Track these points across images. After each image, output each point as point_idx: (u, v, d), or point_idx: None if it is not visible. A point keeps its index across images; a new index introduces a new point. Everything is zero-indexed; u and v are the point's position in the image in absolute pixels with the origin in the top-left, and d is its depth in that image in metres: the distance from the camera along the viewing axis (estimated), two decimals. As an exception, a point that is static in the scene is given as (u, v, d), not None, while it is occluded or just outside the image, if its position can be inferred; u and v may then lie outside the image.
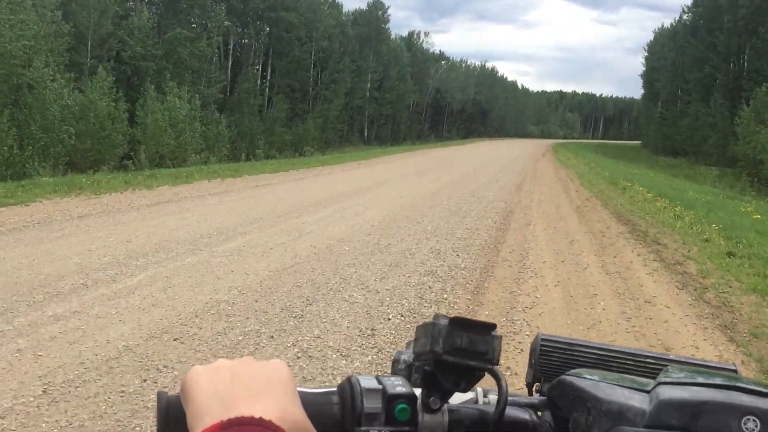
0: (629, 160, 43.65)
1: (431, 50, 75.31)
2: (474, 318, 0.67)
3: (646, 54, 69.77)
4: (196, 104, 31.06)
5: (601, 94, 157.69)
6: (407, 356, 0.80)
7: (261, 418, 0.49)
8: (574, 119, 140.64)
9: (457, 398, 0.75)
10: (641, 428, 0.62)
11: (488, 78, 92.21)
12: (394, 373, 0.78)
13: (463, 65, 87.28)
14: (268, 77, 45.10)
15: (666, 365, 0.79)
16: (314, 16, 48.00)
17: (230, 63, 41.30)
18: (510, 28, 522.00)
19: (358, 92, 53.50)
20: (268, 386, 0.54)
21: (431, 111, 76.98)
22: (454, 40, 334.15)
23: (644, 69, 70.27)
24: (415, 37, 72.05)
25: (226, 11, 43.01)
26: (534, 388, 0.87)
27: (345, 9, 55.97)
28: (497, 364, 0.67)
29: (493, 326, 0.67)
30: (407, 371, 0.78)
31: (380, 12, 57.76)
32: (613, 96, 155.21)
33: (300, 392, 0.59)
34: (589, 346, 0.85)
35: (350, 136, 54.74)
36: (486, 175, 20.64)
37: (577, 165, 27.45)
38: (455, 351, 0.65)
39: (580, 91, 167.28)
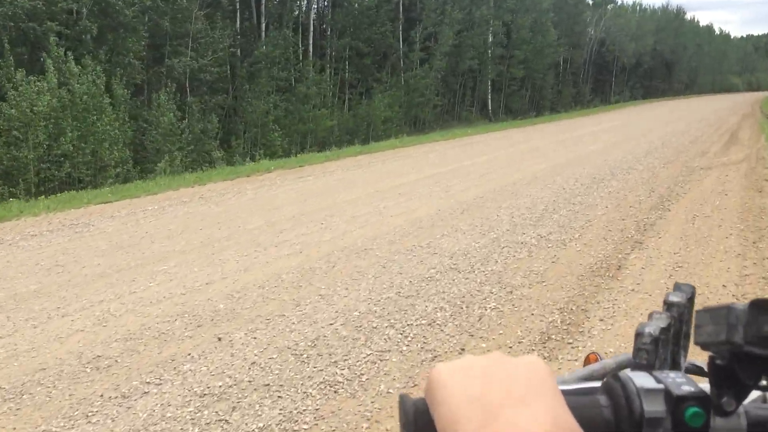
0: None
1: (588, -9, 55.84)
2: None
3: None
4: (98, 83, 17.30)
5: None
6: (652, 329, 0.62)
7: None
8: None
9: None
10: None
11: (672, 23, 70.00)
12: (637, 347, 0.61)
13: (637, 9, 66.30)
14: (318, 38, 30.49)
15: None
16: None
17: (238, 23, 27.17)
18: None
19: (468, 51, 37.10)
20: (532, 389, 0.43)
21: (594, 69, 57.76)
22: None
23: None
24: (563, -25, 53.11)
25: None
26: None
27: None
28: None
29: None
30: (653, 345, 0.62)
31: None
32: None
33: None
34: None
35: (460, 110, 38.63)
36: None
37: None
38: (763, 341, 0.50)
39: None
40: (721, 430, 0.54)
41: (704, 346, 0.56)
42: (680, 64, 71.26)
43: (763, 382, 0.53)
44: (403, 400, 0.50)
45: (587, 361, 1.00)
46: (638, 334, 0.63)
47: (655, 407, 0.50)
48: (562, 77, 51.05)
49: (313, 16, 30.74)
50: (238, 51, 26.48)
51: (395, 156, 15.84)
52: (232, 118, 24.25)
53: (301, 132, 25.47)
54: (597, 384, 0.56)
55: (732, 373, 0.52)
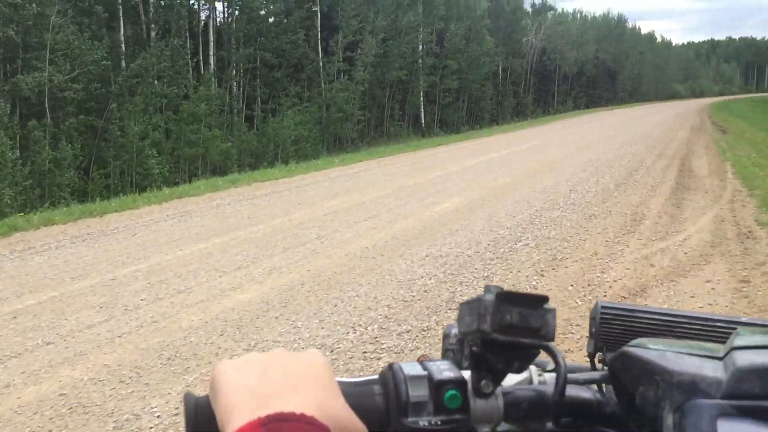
0: None
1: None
2: (524, 291, 0.56)
3: None
4: None
5: (765, 37, 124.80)
6: (457, 330, 0.68)
7: (303, 414, 0.42)
8: (731, 71, 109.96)
9: (510, 379, 0.66)
10: (720, 400, 0.53)
11: (613, 31, 68.10)
12: (445, 348, 0.69)
13: (578, 16, 64.12)
14: (219, 49, 26.61)
15: (737, 329, 0.66)
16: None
17: (122, 32, 23.16)
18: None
19: (395, 61, 33.67)
20: (305, 379, 0.47)
21: (536, 79, 55.03)
22: (586, 4, 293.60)
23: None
24: (500, -18, 50.34)
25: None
26: (596, 358, 0.77)
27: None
28: (552, 340, 0.56)
29: (545, 299, 0.56)
30: (459, 344, 0.70)
31: (429, -59, 37.29)
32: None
33: (339, 383, 0.52)
34: (653, 312, 0.76)
35: (389, 125, 35.16)
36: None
37: None
38: (505, 328, 0.54)
39: (736, 36, 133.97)
40: (481, 411, 0.56)
41: (464, 336, 0.58)
42: (623, 72, 69.44)
43: (516, 365, 0.56)
44: (186, 397, 0.50)
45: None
46: (445, 336, 0.65)
47: (418, 392, 0.53)
48: (501, 87, 48.14)
49: (215, 23, 26.96)
50: (122, 63, 22.55)
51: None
52: (103, 143, 20.26)
53: (188, 157, 21.59)
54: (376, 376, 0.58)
55: (486, 359, 0.55)
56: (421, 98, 37.47)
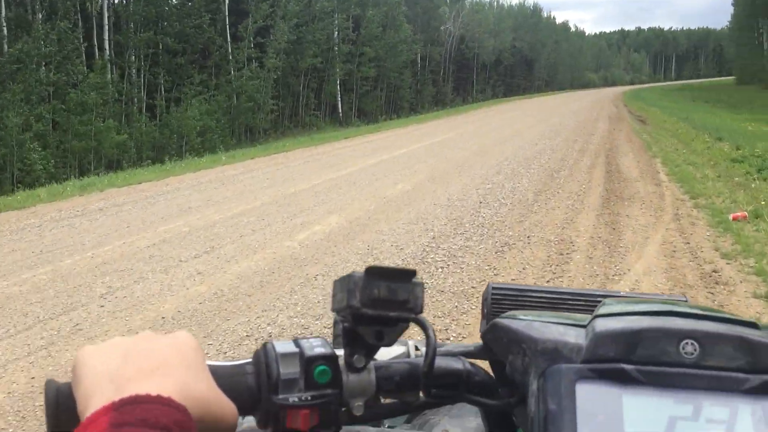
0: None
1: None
2: (392, 266, 0.56)
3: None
4: None
5: (671, 28, 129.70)
6: (331, 308, 0.67)
7: (159, 396, 0.40)
8: (641, 60, 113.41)
9: (387, 354, 0.68)
10: (578, 364, 0.56)
11: (530, 20, 68.48)
12: (335, 334, 0.69)
13: (494, 4, 63.97)
14: (115, 34, 24.32)
15: (604, 300, 0.70)
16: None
17: (3, 13, 20.69)
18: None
19: (309, 48, 32.03)
20: (168, 361, 0.45)
21: (455, 67, 54.48)
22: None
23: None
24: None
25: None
26: None
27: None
28: (421, 313, 0.57)
29: (413, 273, 0.57)
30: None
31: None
32: (685, 29, 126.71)
33: (211, 366, 0.51)
34: (541, 291, 0.79)
35: (304, 115, 33.58)
36: None
37: None
38: (373, 302, 0.55)
39: (645, 27, 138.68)
40: (353, 385, 0.58)
41: (337, 312, 0.59)
42: (539, 61, 70.07)
43: (386, 339, 0.57)
44: (47, 384, 0.49)
45: None
46: (335, 323, 0.66)
47: (290, 369, 0.54)
48: (420, 76, 47.27)
49: (110, 4, 24.64)
50: (4, 47, 20.20)
51: None
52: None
53: (77, 150, 19.50)
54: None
55: (357, 334, 0.56)
56: (338, 87, 36.05)
